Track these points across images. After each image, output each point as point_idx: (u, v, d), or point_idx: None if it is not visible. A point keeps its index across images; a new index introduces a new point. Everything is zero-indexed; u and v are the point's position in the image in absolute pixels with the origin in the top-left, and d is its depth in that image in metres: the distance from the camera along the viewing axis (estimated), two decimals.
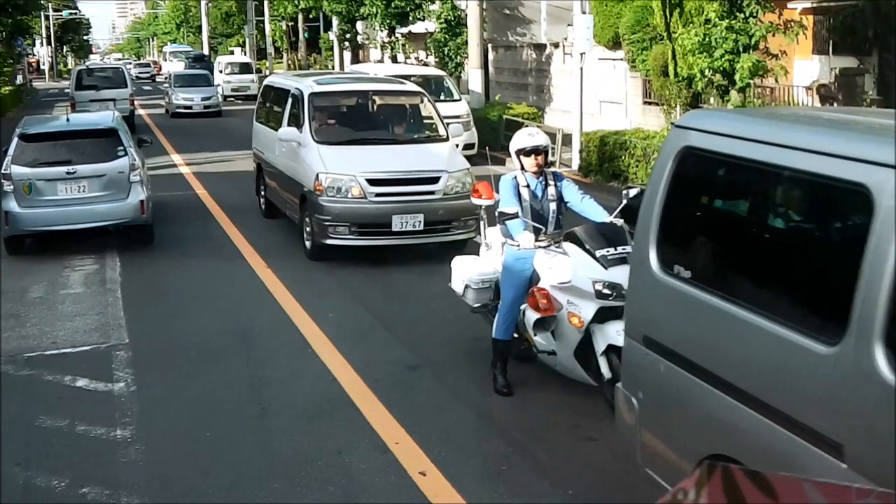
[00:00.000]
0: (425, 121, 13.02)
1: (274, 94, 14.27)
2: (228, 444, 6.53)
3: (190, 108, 33.50)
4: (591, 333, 6.74)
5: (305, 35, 53.30)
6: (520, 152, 7.37)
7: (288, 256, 11.98)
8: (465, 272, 8.04)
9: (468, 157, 18.42)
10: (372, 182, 11.16)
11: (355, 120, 12.86)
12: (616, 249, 6.76)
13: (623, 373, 5.25)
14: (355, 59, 38.72)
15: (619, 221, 7.15)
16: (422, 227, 11.21)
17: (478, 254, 8.38)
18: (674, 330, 4.57)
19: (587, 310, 6.70)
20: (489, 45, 31.05)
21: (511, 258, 7.38)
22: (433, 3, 30.13)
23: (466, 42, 26.69)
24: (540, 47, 29.81)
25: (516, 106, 24.75)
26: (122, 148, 12.33)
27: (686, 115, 5.02)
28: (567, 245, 6.90)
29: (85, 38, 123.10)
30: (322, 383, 7.67)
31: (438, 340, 8.76)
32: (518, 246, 7.07)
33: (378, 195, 11.16)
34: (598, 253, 6.74)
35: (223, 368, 8.07)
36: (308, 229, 11.63)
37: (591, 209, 7.38)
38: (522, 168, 7.40)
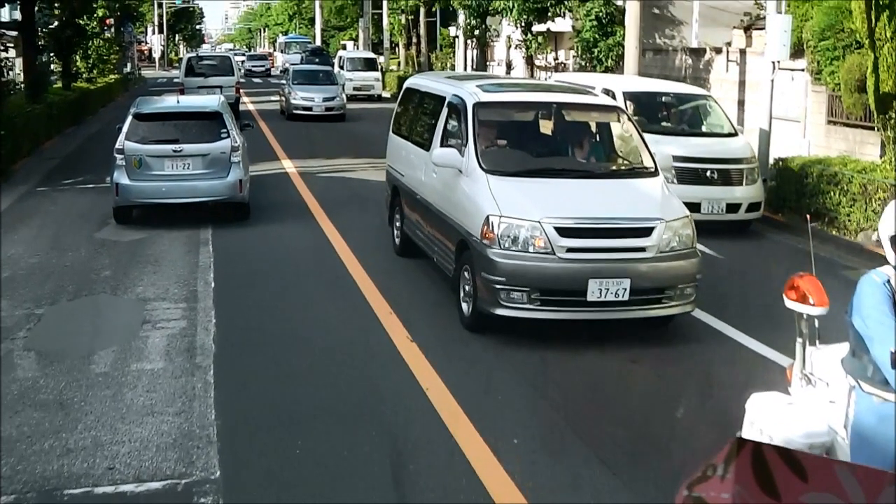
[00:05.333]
0: (625, 147, 9.74)
1: (420, 100, 11.18)
2: None
3: (310, 109, 29.60)
4: None
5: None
6: None
7: (436, 322, 8.91)
8: (776, 426, 4.84)
9: (748, 224, 13.85)
10: (562, 232, 8.00)
11: (535, 142, 9.63)
12: None
13: None
14: (482, 58, 35.57)
15: None
16: (627, 297, 8.00)
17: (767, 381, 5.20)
18: None
19: None
20: None
21: (871, 417, 4.20)
22: None
23: (619, 43, 23.38)
24: (697, 52, 26.29)
25: None
26: (225, 130, 13.07)
27: None
28: None
29: (197, 27, 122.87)
30: None
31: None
32: None
33: (570, 250, 7.99)
34: None
35: None
36: (467, 288, 8.54)
37: None
38: None
